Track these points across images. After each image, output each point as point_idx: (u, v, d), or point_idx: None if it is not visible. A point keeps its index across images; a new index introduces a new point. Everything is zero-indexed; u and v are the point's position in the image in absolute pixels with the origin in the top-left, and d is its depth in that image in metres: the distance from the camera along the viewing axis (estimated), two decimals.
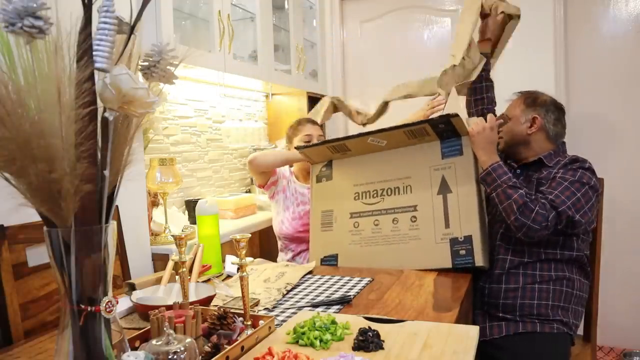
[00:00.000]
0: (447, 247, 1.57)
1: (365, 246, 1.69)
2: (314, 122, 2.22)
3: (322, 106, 2.26)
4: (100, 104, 0.63)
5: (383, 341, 0.97)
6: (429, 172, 1.63)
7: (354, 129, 3.45)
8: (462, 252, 1.56)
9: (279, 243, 2.12)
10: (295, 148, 1.90)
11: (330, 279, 1.53)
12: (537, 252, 1.59)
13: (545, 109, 1.71)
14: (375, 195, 1.70)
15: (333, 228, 1.76)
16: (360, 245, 1.70)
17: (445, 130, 1.61)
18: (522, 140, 1.71)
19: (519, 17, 1.92)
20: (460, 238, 1.56)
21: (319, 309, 1.24)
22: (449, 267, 1.56)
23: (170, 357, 0.77)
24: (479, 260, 1.53)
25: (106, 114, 0.63)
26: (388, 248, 1.66)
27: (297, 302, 1.32)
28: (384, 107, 2.15)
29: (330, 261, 1.74)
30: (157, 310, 0.92)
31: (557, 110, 1.73)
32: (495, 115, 1.79)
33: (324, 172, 1.81)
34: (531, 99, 1.73)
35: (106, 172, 0.64)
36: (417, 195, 1.64)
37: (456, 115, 1.54)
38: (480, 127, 1.60)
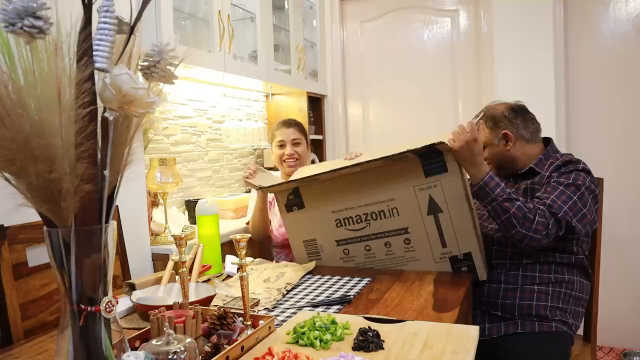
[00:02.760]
0: (448, 265, 1.55)
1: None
2: (289, 125, 2.12)
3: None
4: (100, 104, 0.63)
5: (383, 341, 0.97)
6: (414, 193, 1.52)
7: (355, 132, 3.46)
8: (464, 268, 1.54)
9: (273, 252, 2.11)
10: (258, 189, 1.79)
11: (330, 279, 1.53)
12: (535, 254, 1.59)
13: (507, 119, 1.67)
14: (359, 221, 1.59)
15: (322, 257, 1.67)
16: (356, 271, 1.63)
17: (426, 152, 1.49)
18: (507, 159, 1.68)
19: None
20: (460, 256, 1.53)
21: (319, 309, 1.24)
22: None
23: (170, 357, 0.77)
24: (482, 275, 1.54)
25: (106, 114, 0.63)
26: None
27: (297, 302, 1.32)
28: None
29: None
30: (157, 310, 0.92)
31: (517, 112, 1.68)
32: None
33: (293, 201, 1.65)
34: (490, 119, 1.69)
35: (106, 172, 0.64)
36: (405, 217, 1.55)
37: (442, 143, 1.44)
38: (463, 140, 1.48)
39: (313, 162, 3.02)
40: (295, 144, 2.07)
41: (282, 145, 2.07)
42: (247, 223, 2.13)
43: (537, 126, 1.71)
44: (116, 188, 0.68)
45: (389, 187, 1.55)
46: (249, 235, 1.01)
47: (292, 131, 2.08)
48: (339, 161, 1.72)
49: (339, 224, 1.62)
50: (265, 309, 1.27)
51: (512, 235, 1.48)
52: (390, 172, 1.53)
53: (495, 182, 1.49)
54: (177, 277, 1.29)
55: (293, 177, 1.70)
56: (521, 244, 1.48)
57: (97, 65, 0.61)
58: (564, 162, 1.60)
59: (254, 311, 1.20)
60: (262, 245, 2.24)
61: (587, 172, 1.57)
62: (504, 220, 1.47)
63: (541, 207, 1.47)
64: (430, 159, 1.49)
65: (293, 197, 1.64)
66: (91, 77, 0.61)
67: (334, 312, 1.21)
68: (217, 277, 1.56)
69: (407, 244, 1.57)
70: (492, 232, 1.67)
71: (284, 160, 2.07)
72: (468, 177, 1.55)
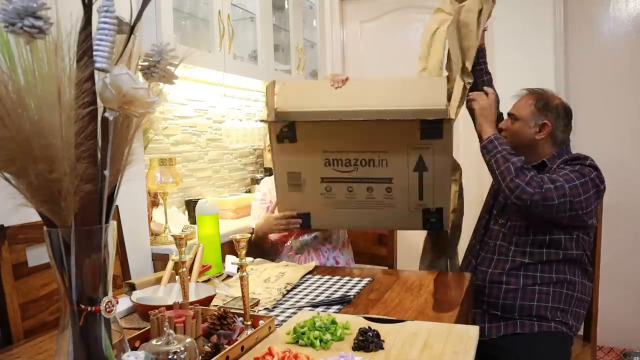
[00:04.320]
0: (419, 215, 1.66)
1: (338, 208, 1.72)
2: None
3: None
4: (100, 104, 0.63)
5: (383, 341, 0.97)
6: (406, 150, 1.61)
7: None
8: (433, 220, 1.66)
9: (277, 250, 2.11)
10: (260, 121, 1.88)
11: (330, 279, 1.53)
12: (538, 252, 1.59)
13: (557, 114, 1.66)
14: (348, 164, 1.66)
15: (303, 190, 1.72)
16: (334, 207, 1.73)
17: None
18: (528, 144, 1.67)
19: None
20: (432, 209, 1.65)
21: (319, 309, 1.24)
22: (420, 229, 1.70)
23: (170, 357, 0.77)
24: (447, 226, 1.67)
25: (106, 114, 0.63)
26: (362, 211, 1.71)
27: (297, 302, 1.32)
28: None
29: (301, 219, 1.77)
30: (157, 310, 0.92)
31: (567, 116, 1.68)
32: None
33: (286, 133, 1.67)
34: (543, 103, 1.67)
35: (106, 172, 0.64)
36: (392, 169, 1.64)
37: (450, 119, 1.54)
38: (487, 102, 1.65)
39: None
40: None
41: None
42: (251, 232, 2.13)
43: (569, 137, 1.72)
44: (116, 188, 0.68)
45: (385, 140, 1.62)
46: (249, 235, 1.01)
47: None
48: (327, 85, 1.69)
49: (327, 164, 1.67)
50: (265, 309, 1.27)
51: (507, 184, 1.52)
52: (388, 127, 1.59)
53: (504, 141, 1.62)
54: (177, 277, 1.29)
55: (286, 105, 1.66)
56: (512, 194, 1.50)
57: (97, 65, 0.61)
58: (572, 158, 1.63)
59: (254, 311, 1.20)
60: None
61: (595, 167, 1.58)
62: (503, 169, 1.54)
63: (541, 176, 1.52)
64: (430, 123, 1.57)
65: (287, 130, 1.66)
66: (91, 77, 0.61)
67: (334, 312, 1.21)
68: (217, 277, 1.56)
69: (388, 192, 1.66)
70: (497, 226, 1.68)
71: None
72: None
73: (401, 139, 1.60)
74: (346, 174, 1.67)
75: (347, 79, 1.71)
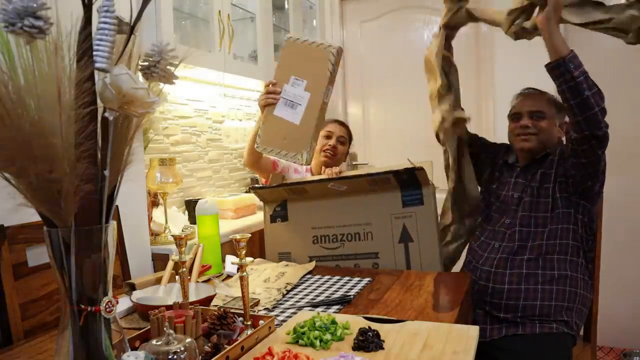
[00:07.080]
0: None
1: None
2: (342, 124, 2.24)
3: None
4: (100, 104, 0.63)
5: (383, 341, 0.97)
6: (390, 220, 1.61)
7: (355, 132, 3.45)
8: None
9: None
10: (250, 188, 1.91)
11: (330, 279, 1.53)
12: (538, 247, 1.59)
13: (565, 114, 1.68)
14: (334, 240, 1.66)
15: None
16: None
17: (407, 180, 1.59)
18: (551, 145, 1.69)
19: None
20: None
21: (319, 309, 1.24)
22: None
23: (170, 357, 0.77)
24: None
25: (106, 114, 0.63)
26: None
27: (297, 302, 1.32)
28: None
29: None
30: (157, 310, 0.92)
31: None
32: None
33: (279, 212, 1.73)
34: (559, 103, 1.67)
35: (106, 172, 0.64)
36: (378, 242, 1.62)
37: (421, 168, 1.54)
38: (555, 1, 1.41)
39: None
40: (340, 141, 2.18)
41: (328, 136, 2.17)
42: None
43: None
44: (116, 188, 0.68)
45: (369, 212, 1.63)
46: (249, 235, 1.01)
47: (343, 129, 2.21)
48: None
49: (315, 241, 1.69)
50: (265, 309, 1.27)
51: (603, 108, 1.43)
52: (372, 199, 1.62)
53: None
54: (177, 277, 1.29)
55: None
56: (603, 119, 1.44)
57: (97, 65, 0.61)
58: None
59: (254, 311, 1.20)
60: (262, 245, 2.24)
61: None
62: (596, 92, 1.44)
63: None
64: (409, 190, 1.59)
65: (280, 209, 1.71)
66: (91, 77, 0.61)
67: (334, 312, 1.21)
68: (217, 277, 1.56)
69: (374, 268, 1.63)
70: (503, 228, 1.68)
71: (324, 150, 2.15)
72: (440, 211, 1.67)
73: (384, 210, 1.61)
74: (333, 251, 1.67)
75: (340, 172, 1.78)
